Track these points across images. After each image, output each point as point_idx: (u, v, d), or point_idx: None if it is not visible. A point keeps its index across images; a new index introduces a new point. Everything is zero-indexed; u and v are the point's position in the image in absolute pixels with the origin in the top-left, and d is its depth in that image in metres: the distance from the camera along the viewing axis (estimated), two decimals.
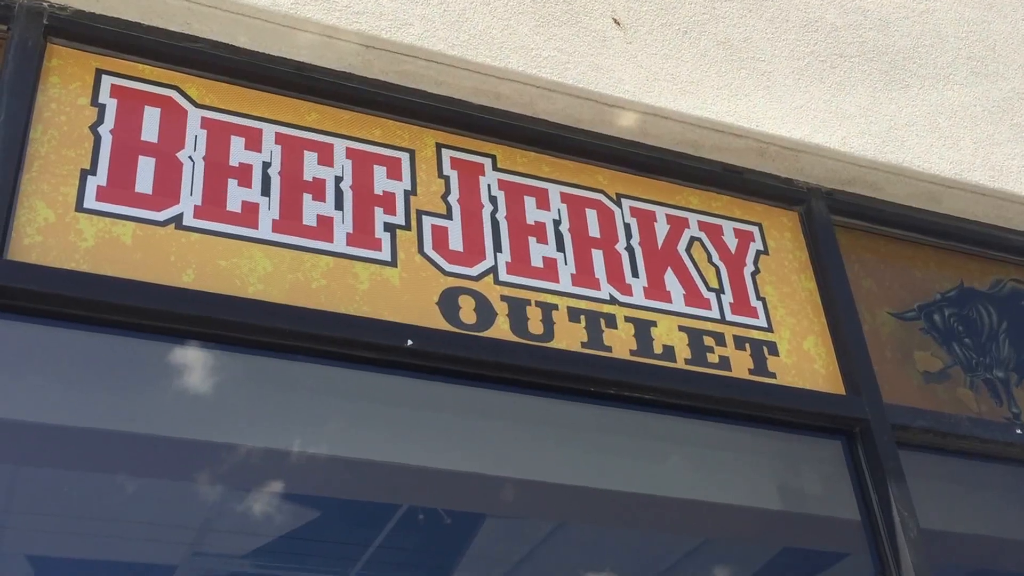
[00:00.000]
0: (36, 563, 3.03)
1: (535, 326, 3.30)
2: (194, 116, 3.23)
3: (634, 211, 3.70)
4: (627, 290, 3.51)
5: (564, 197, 3.62)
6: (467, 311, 3.24)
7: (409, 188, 3.39)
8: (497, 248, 3.40)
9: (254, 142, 3.26)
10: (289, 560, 3.33)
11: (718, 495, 3.56)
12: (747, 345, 3.56)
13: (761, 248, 3.84)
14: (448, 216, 3.40)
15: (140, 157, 3.08)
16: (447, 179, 3.48)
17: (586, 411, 3.36)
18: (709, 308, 3.59)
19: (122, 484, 3.06)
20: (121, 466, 3.03)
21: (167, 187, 3.05)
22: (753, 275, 3.75)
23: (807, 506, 3.66)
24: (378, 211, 3.30)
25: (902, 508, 3.35)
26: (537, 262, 3.44)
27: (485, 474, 3.37)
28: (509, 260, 3.40)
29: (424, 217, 3.36)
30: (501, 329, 3.25)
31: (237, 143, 3.24)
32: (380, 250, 3.24)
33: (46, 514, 3.02)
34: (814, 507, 3.67)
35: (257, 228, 3.10)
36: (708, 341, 3.51)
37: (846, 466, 3.56)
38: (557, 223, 3.55)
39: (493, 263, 3.37)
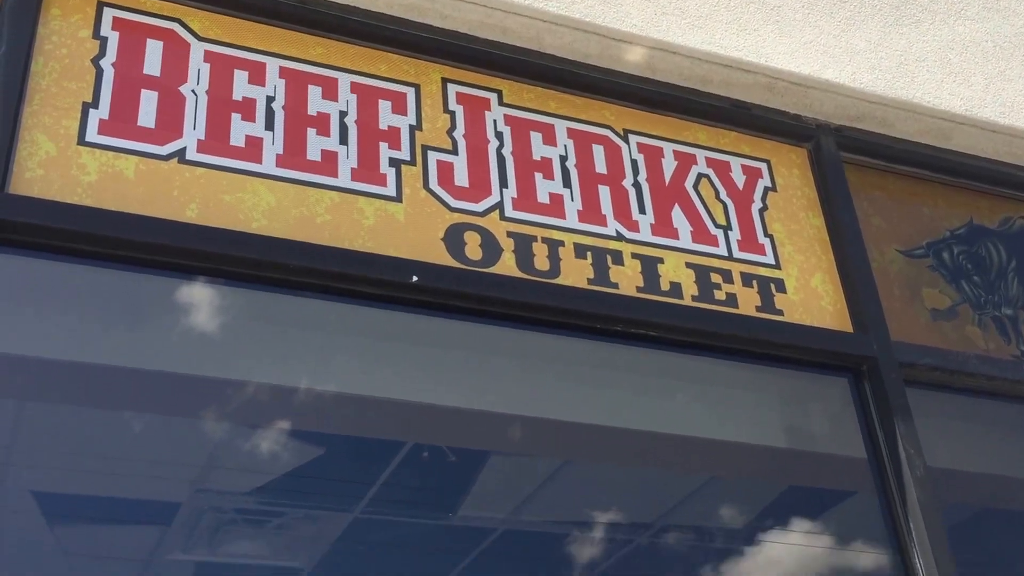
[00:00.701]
0: (40, 500, 3.04)
1: (541, 262, 3.28)
2: (197, 50, 3.19)
3: (641, 147, 3.67)
4: (634, 227, 3.48)
5: (571, 133, 3.58)
6: (473, 247, 3.22)
7: (414, 123, 3.36)
8: (503, 184, 3.37)
9: (258, 76, 3.22)
10: (294, 497, 3.34)
11: (724, 433, 3.56)
12: (754, 282, 3.54)
13: (769, 185, 3.81)
14: (454, 151, 3.36)
15: (143, 91, 3.05)
16: (452, 114, 3.44)
17: (592, 348, 3.35)
18: (716, 245, 3.57)
19: (125, 421, 3.06)
20: (124, 402, 3.02)
21: (170, 121, 3.02)
22: (761, 212, 3.72)
23: (813, 444, 3.67)
24: (383, 146, 3.27)
25: (908, 446, 3.35)
26: (543, 198, 3.41)
27: (490, 411, 3.36)
28: (515, 196, 3.37)
29: (429, 152, 3.33)
30: (507, 265, 3.22)
31: (240, 77, 3.20)
32: (385, 185, 3.21)
33: (49, 451, 3.02)
34: (820, 445, 3.67)
35: (261, 163, 3.07)
36: (715, 278, 3.49)
37: (853, 404, 3.55)
38: (564, 159, 3.51)
39: (499, 199, 3.34)
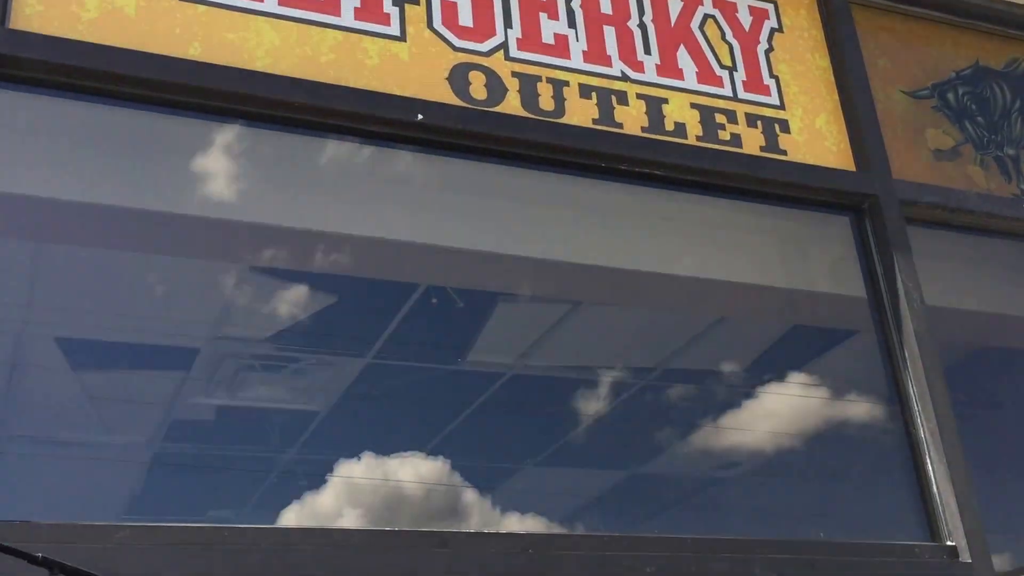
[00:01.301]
0: (64, 346, 3.11)
1: (546, 102, 3.27)
2: None
3: None
4: (639, 67, 3.46)
5: None
6: (477, 87, 3.21)
7: None
8: (507, 24, 3.34)
9: None
10: (308, 344, 3.41)
11: (728, 273, 3.61)
12: (759, 122, 3.54)
13: (775, 26, 3.77)
14: None
15: None
16: None
17: (598, 189, 3.37)
18: (721, 86, 3.55)
19: (136, 264, 3.10)
20: (133, 245, 3.06)
21: None
22: (767, 53, 3.70)
23: (815, 284, 3.72)
24: None
25: (907, 280, 3.40)
26: (548, 39, 3.38)
27: (498, 253, 3.40)
28: (520, 36, 3.34)
29: None
30: (512, 105, 3.22)
31: None
32: (389, 25, 3.18)
33: (69, 295, 3.07)
34: (822, 285, 3.72)
35: (263, 1, 3.04)
36: (720, 118, 3.49)
37: (854, 243, 3.59)
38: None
39: (503, 39, 3.31)
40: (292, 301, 3.31)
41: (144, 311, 3.13)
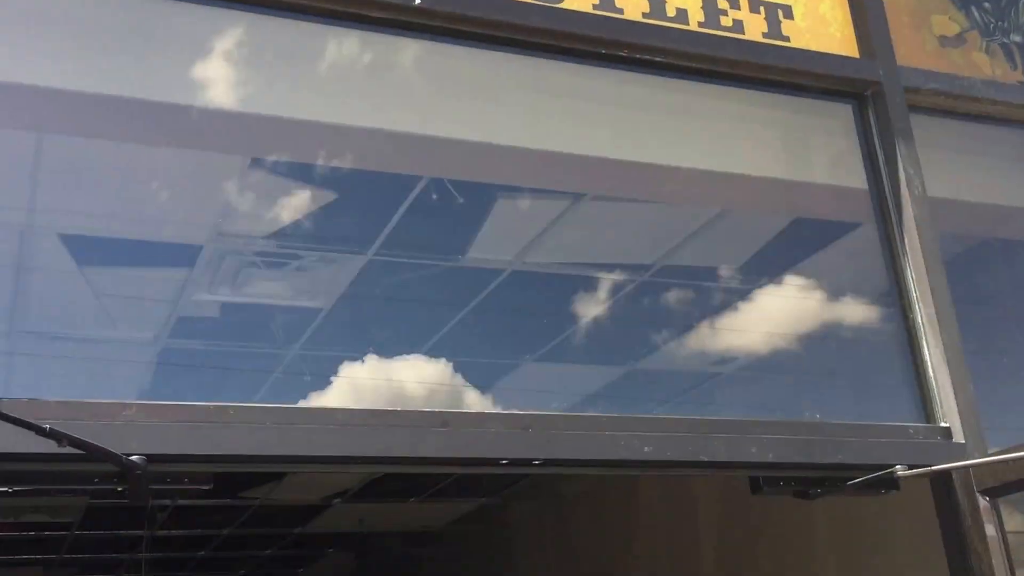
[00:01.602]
0: (69, 243, 3.13)
1: None
2: None
3: None
4: None
5: None
6: None
7: None
8: None
9: None
10: (309, 240, 3.43)
11: (730, 165, 3.60)
12: (761, 8, 3.50)
13: None
14: None
15: None
16: None
17: (598, 76, 3.35)
18: None
19: (139, 157, 3.12)
20: (135, 136, 3.07)
21: None
22: None
23: (817, 175, 3.72)
24: None
25: (909, 166, 3.39)
26: None
27: (495, 144, 3.40)
28: None
29: None
30: None
31: None
32: None
33: (72, 189, 3.09)
34: (824, 176, 3.72)
35: None
36: (722, 4, 3.45)
37: (856, 132, 3.58)
38: None
39: None
40: (293, 197, 3.32)
41: (146, 207, 3.16)
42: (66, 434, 2.27)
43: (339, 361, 3.09)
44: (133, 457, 2.43)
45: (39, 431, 2.24)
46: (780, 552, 5.26)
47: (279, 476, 6.41)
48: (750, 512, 5.49)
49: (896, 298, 3.32)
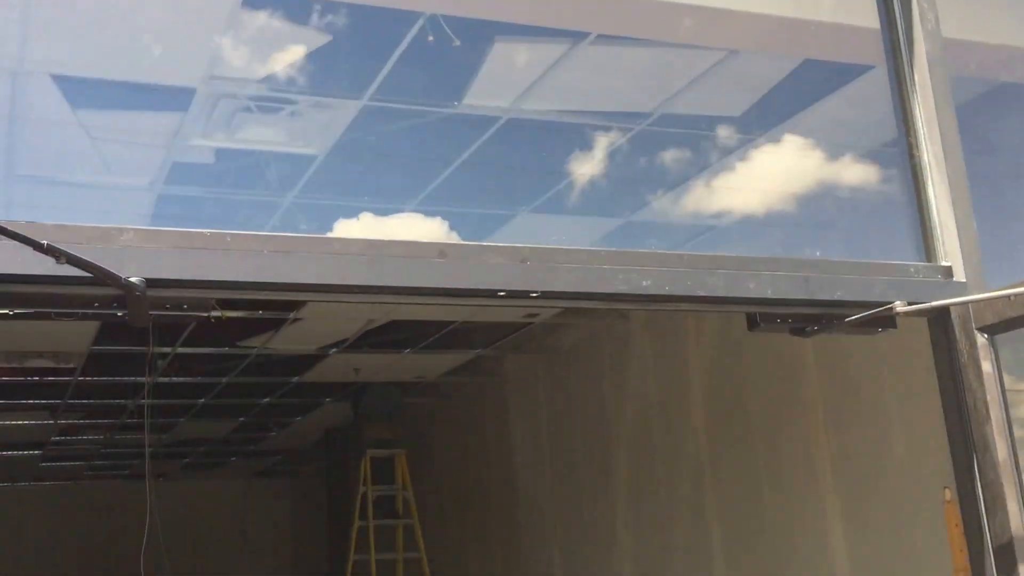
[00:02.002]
0: (59, 83, 3.06)
1: None
2: None
3: None
4: None
5: None
6: None
7: None
8: None
9: None
10: (304, 85, 3.36)
11: (738, 2, 3.51)
12: None
13: None
14: None
15: None
16: None
17: None
18: None
19: None
20: None
21: None
22: None
23: (827, 14, 3.62)
24: None
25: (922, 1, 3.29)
26: None
27: None
28: None
29: None
30: None
31: None
32: None
33: (59, 30, 3.01)
34: (835, 14, 3.63)
35: None
36: None
37: None
38: None
39: None
40: (286, 38, 3.24)
41: (139, 48, 3.09)
42: (64, 251, 2.25)
43: (333, 209, 3.06)
44: (132, 279, 2.42)
45: (37, 246, 2.22)
46: (769, 402, 5.34)
47: (277, 324, 6.46)
48: (740, 362, 5.56)
49: (903, 136, 3.27)
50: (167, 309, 2.65)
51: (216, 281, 2.59)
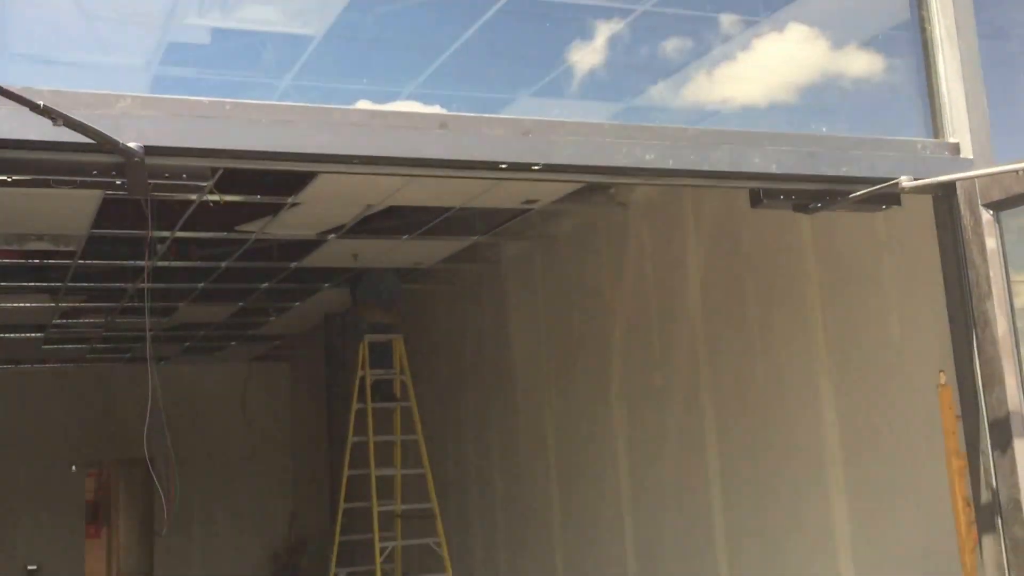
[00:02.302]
0: None
1: None
2: None
3: None
4: None
5: None
6: None
7: None
8: None
9: None
10: None
11: None
12: None
13: None
14: None
15: None
16: None
17: None
18: None
19: None
20: None
21: None
22: None
23: None
24: None
25: None
26: None
27: None
28: None
29: None
30: None
31: None
32: None
33: None
34: None
35: None
36: None
37: None
38: None
39: None
40: None
41: None
42: (61, 113, 2.22)
43: (330, 93, 3.00)
44: (130, 144, 2.40)
45: (33, 107, 2.19)
46: (766, 289, 5.36)
47: (275, 209, 6.43)
48: (738, 249, 5.55)
49: (915, 9, 3.19)
50: (166, 179, 2.62)
51: (216, 150, 2.57)
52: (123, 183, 2.55)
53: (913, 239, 4.32)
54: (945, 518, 3.86)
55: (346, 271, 8.67)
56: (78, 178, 2.55)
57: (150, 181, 2.57)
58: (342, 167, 2.70)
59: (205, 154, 2.57)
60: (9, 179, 2.52)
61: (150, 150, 2.48)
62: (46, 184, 2.57)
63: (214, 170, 2.86)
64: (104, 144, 2.33)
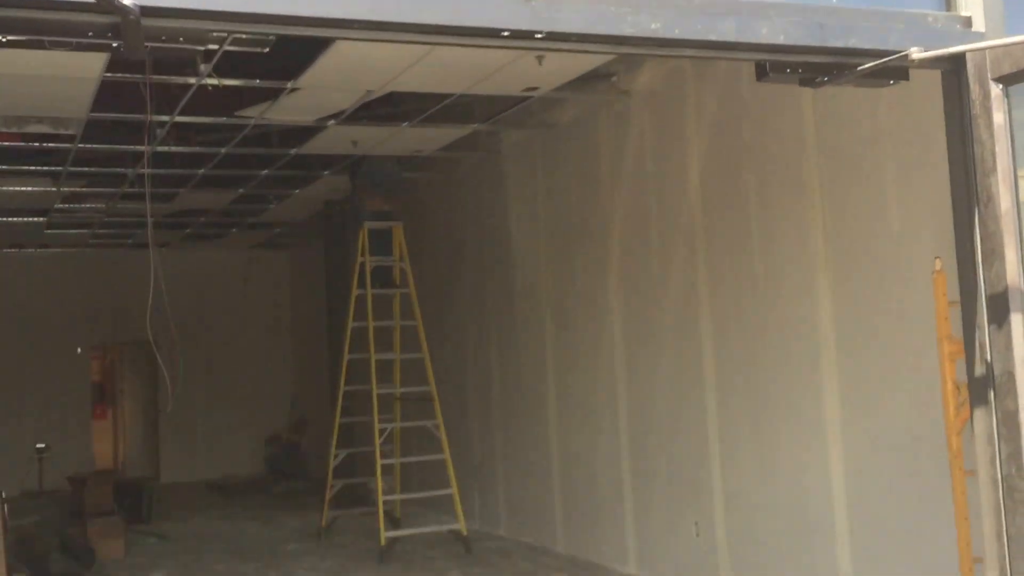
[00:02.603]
0: None
1: None
2: None
3: None
4: None
5: None
6: None
7: None
8: None
9: None
10: None
11: None
12: None
13: None
14: None
15: None
16: None
17: None
18: None
19: None
20: None
21: None
22: None
23: None
24: None
25: None
26: None
27: None
28: None
29: None
30: None
31: None
32: None
33: None
34: None
35: None
36: None
37: None
38: None
39: None
40: None
41: None
42: None
43: None
44: (126, 2, 2.35)
45: None
46: (766, 176, 5.32)
47: (274, 94, 6.35)
48: (739, 139, 5.50)
49: None
50: (163, 41, 2.58)
51: (211, 11, 2.52)
52: (119, 44, 2.51)
53: (914, 128, 4.28)
54: (935, 406, 3.91)
55: (346, 158, 8.61)
56: (74, 39, 2.51)
57: (147, 44, 2.54)
58: (340, 32, 2.66)
59: (201, 16, 2.53)
60: (4, 39, 2.48)
61: (146, 11, 2.43)
62: (41, 45, 2.53)
63: (211, 52, 2.75)
64: (100, 2, 2.29)
